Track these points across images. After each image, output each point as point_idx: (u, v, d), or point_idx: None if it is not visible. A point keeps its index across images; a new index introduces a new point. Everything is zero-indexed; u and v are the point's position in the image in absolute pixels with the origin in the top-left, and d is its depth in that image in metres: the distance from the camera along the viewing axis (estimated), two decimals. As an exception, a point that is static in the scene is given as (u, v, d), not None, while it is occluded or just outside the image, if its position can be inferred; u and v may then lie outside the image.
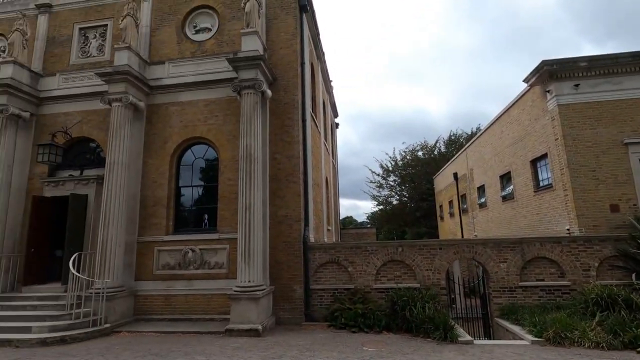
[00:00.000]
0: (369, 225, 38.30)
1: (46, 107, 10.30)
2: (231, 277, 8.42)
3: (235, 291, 7.42)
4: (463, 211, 19.47)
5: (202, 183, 9.66)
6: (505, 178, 14.01)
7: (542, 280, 8.05)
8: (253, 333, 7.02)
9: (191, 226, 9.42)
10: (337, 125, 21.05)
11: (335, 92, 18.77)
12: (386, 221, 31.50)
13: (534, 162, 11.43)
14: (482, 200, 16.58)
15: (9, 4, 11.46)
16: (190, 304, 8.54)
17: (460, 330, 7.08)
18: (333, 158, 18.16)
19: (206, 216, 9.44)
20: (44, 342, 6.78)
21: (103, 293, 7.72)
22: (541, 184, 11.18)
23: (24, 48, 10.09)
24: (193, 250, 8.74)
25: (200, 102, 9.53)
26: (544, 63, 9.59)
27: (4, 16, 11.28)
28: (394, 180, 30.24)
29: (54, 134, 9.70)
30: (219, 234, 8.78)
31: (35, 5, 11.10)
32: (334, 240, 15.96)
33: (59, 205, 9.62)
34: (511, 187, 13.33)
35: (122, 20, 9.42)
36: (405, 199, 29.70)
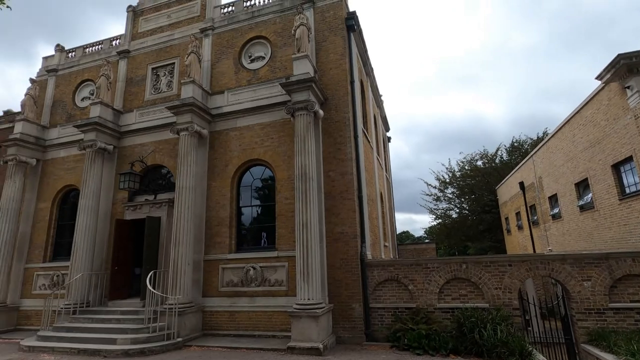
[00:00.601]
0: (427, 241, 36.69)
1: (126, 140, 11.61)
2: (291, 295, 8.58)
3: (295, 309, 7.52)
4: (533, 223, 17.85)
5: (260, 202, 10.08)
6: (582, 185, 12.65)
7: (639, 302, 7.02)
8: (314, 352, 7.01)
9: (251, 244, 9.83)
10: (389, 139, 20.81)
11: (385, 105, 18.68)
12: (446, 236, 29.91)
13: (617, 167, 10.21)
14: (556, 210, 15.09)
15: (96, 54, 13.31)
16: (253, 320, 8.81)
17: (540, 357, 6.40)
18: (386, 172, 17.90)
19: (265, 234, 9.79)
20: (126, 354, 7.43)
21: (175, 309, 8.29)
22: (627, 191, 9.91)
23: (108, 90, 11.56)
24: (254, 268, 9.07)
25: (257, 126, 10.07)
26: (621, 57, 8.66)
27: (94, 64, 13.10)
28: (452, 193, 28.80)
29: (133, 163, 10.87)
30: (277, 251, 9.03)
31: (116, 52, 12.75)
32: (391, 256, 15.53)
33: (137, 226, 10.67)
34: (590, 195, 11.99)
35: (187, 58, 10.42)
36: (466, 211, 28.05)
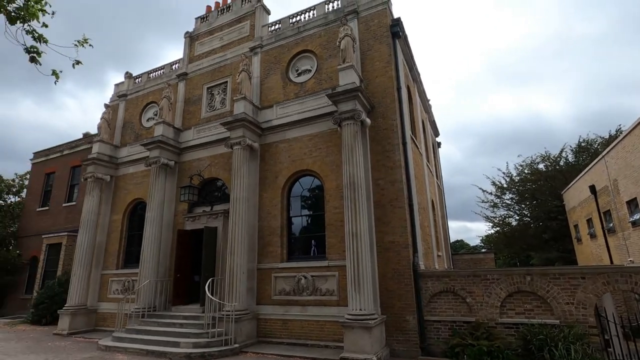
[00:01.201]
0: (484, 250, 34.51)
1: (185, 155, 12.50)
2: (342, 305, 8.54)
3: (347, 319, 7.47)
4: (608, 231, 16.02)
5: (309, 212, 10.24)
6: (668, 188, 11.15)
7: None
8: (368, 364, 6.88)
9: (301, 253, 9.98)
10: (439, 144, 20.10)
11: (433, 109, 18.12)
12: (505, 245, 27.88)
13: None
14: (636, 217, 13.43)
15: (159, 78, 14.58)
16: (305, 329, 8.89)
17: (624, 383, 5.68)
18: (437, 179, 17.26)
19: (314, 243, 9.90)
20: (189, 357, 7.87)
21: (232, 315, 8.65)
22: None
23: (169, 110, 12.58)
24: (305, 277, 9.19)
25: (305, 137, 10.30)
26: None
27: (157, 87, 14.36)
28: (511, 198, 26.84)
29: (191, 176, 11.66)
30: (328, 261, 9.07)
31: (176, 75, 13.86)
32: (445, 267, 14.85)
33: (196, 236, 11.35)
34: (679, 199, 10.52)
35: (238, 76, 11.02)
36: (527, 218, 25.95)
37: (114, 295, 12.45)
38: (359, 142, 8.67)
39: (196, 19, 14.47)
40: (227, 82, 12.62)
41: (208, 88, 13.03)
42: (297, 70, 11.39)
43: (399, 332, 8.07)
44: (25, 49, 3.73)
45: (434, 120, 18.15)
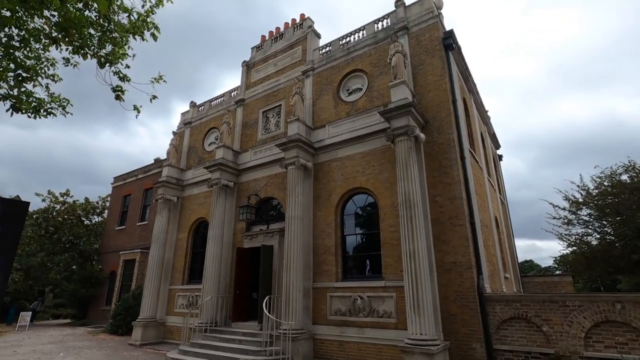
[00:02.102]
0: (558, 272, 31.02)
1: (243, 176, 13.15)
2: (400, 328, 8.17)
3: (407, 344, 7.10)
4: None
5: (363, 231, 10.09)
6: None
7: None
8: (432, 394, 6.44)
9: (356, 273, 9.79)
10: (500, 157, 18.85)
11: (492, 121, 17.13)
12: (585, 267, 24.75)
13: None
14: None
15: (219, 105, 15.70)
16: (363, 352, 8.61)
17: None
18: (500, 194, 16.10)
19: (368, 262, 9.68)
20: (248, 374, 8.00)
21: (289, 334, 8.68)
22: None
23: (229, 134, 13.42)
24: (361, 298, 8.98)
25: (357, 155, 10.30)
26: None
27: (217, 114, 15.46)
28: (589, 214, 24.00)
29: (249, 196, 12.19)
30: (384, 281, 8.79)
31: (234, 101, 14.83)
32: (514, 290, 13.59)
33: (254, 254, 11.74)
34: None
35: (292, 99, 11.47)
36: (611, 237, 22.91)
37: (179, 310, 13.22)
38: (413, 158, 8.45)
39: (252, 48, 15.47)
40: (280, 105, 13.18)
41: (263, 112, 13.71)
42: (347, 90, 11.55)
43: (465, 361, 7.46)
44: (112, 88, 4.29)
45: (494, 133, 17.13)
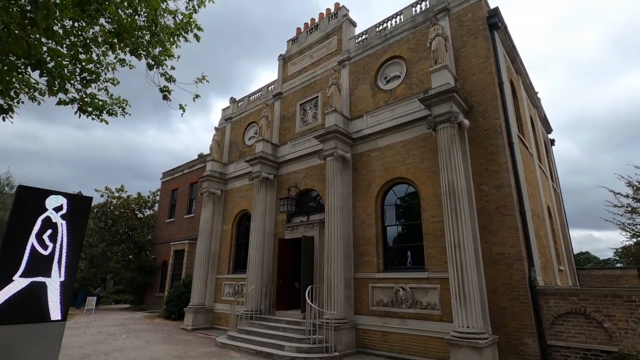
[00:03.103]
0: (619, 265, 28.55)
1: (282, 169, 13.39)
2: (445, 320, 8.00)
3: (453, 337, 6.94)
4: None
5: (405, 221, 9.91)
6: None
7: None
8: (480, 388, 6.25)
9: (398, 264, 9.67)
10: (552, 141, 17.57)
11: (543, 103, 15.95)
12: (652, 259, 22.64)
13: None
14: None
15: (258, 100, 16.03)
16: (406, 343, 8.54)
17: None
18: (553, 182, 15.06)
19: (409, 253, 9.52)
20: (293, 360, 8.25)
21: (331, 323, 8.82)
22: None
23: (268, 128, 13.69)
24: (403, 289, 8.87)
25: (397, 144, 10.09)
26: None
27: (256, 109, 15.81)
28: (657, 202, 21.78)
29: (289, 188, 12.41)
30: (427, 272, 8.61)
31: (272, 95, 15.07)
32: (569, 283, 12.74)
33: (295, 245, 11.98)
34: None
35: (328, 90, 11.44)
36: (684, 227, 20.68)
37: (226, 297, 13.87)
38: (457, 146, 8.12)
39: (288, 41, 15.57)
40: (317, 97, 13.19)
41: (301, 104, 13.80)
42: (385, 78, 11.29)
43: (516, 357, 7.15)
44: (159, 89, 4.56)
45: (545, 116, 15.97)
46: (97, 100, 4.55)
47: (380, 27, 11.93)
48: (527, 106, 12.50)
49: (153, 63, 4.28)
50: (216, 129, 16.57)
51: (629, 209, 23.48)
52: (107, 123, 4.66)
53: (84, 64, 4.28)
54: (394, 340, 8.76)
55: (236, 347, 9.59)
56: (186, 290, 15.47)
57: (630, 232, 23.74)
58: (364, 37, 12.37)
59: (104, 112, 4.65)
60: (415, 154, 9.61)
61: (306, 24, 15.06)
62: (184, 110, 4.74)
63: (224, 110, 17.97)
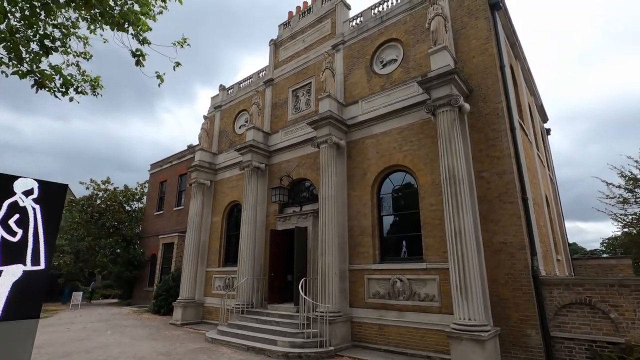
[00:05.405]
0: (605, 255, 28.86)
1: (274, 158, 12.90)
2: (445, 312, 7.70)
3: (453, 329, 6.63)
4: None
5: (402, 211, 9.55)
6: None
7: None
8: (483, 383, 5.96)
9: (394, 254, 9.33)
10: (547, 131, 17.38)
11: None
12: (642, 249, 22.80)
13: None
14: None
15: (248, 87, 15.44)
16: (404, 336, 8.23)
17: None
18: (549, 170, 14.86)
19: (405, 244, 9.19)
20: (286, 356, 7.88)
21: (326, 317, 8.46)
22: None
23: (259, 115, 13.15)
24: (401, 280, 8.53)
25: (393, 130, 9.68)
26: None
27: (246, 96, 15.23)
28: (649, 192, 21.86)
29: (281, 178, 11.95)
30: (426, 263, 8.28)
31: (263, 82, 14.50)
32: (566, 273, 12.59)
33: (287, 236, 11.56)
34: None
35: (322, 74, 10.94)
36: (675, 216, 20.80)
37: (216, 291, 13.42)
38: (457, 131, 7.74)
39: (279, 25, 14.97)
40: (310, 82, 12.68)
41: (293, 91, 13.28)
42: (381, 62, 10.83)
43: (518, 349, 6.88)
44: (131, 52, 4.02)
45: (542, 104, 15.71)
46: (63, 75, 3.99)
47: (376, 9, 11.42)
48: (525, 93, 12.19)
49: (123, 21, 3.71)
50: (205, 117, 15.95)
51: (621, 199, 23.59)
52: (78, 102, 4.13)
53: (43, 27, 3.70)
54: (390, 333, 8.45)
55: (227, 343, 9.19)
56: (175, 284, 14.99)
57: (622, 223, 23.92)
58: (358, 19, 11.86)
59: (71, 89, 4.09)
60: (413, 141, 9.22)
61: (298, 7, 14.46)
62: (162, 80, 4.22)
63: (213, 98, 17.33)
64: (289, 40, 14.25)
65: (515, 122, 8.36)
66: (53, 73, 3.92)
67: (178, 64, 4.22)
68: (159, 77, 4.19)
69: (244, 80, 15.93)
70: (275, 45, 14.75)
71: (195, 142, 18.20)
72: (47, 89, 3.89)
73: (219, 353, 8.34)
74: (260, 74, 15.17)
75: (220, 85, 16.90)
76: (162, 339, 9.96)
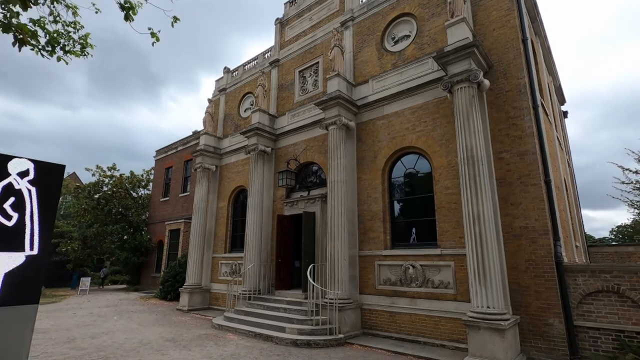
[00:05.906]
0: (614, 243, 28.25)
1: (281, 141, 12.49)
2: (460, 300, 7.36)
3: (470, 317, 6.28)
4: None
5: (415, 194, 9.13)
6: None
7: None
8: (503, 374, 5.64)
9: (407, 240, 8.97)
10: (564, 113, 16.66)
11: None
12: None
13: None
14: None
15: (253, 68, 14.94)
16: (416, 324, 7.94)
17: None
18: (567, 154, 14.26)
19: (417, 229, 8.81)
20: (294, 343, 7.64)
21: (335, 303, 8.18)
22: None
23: (264, 97, 12.69)
24: (413, 267, 8.19)
25: (406, 110, 9.19)
26: None
27: (252, 78, 14.74)
28: (668, 178, 21.09)
29: (288, 161, 11.56)
30: (440, 249, 7.91)
31: (269, 63, 13.98)
32: (584, 260, 12.15)
33: (295, 222, 11.25)
34: None
35: (330, 52, 10.41)
36: (695, 203, 20.09)
37: (223, 277, 13.25)
38: (476, 108, 7.23)
39: (285, 4, 14.35)
40: (318, 62, 12.15)
41: (300, 71, 12.77)
42: (393, 38, 10.25)
43: (539, 338, 6.53)
44: (119, 4, 3.61)
45: (560, 85, 14.98)
46: (47, 30, 3.59)
47: (388, -17, 10.76)
48: (545, 72, 11.54)
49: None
50: (209, 100, 15.52)
51: (638, 185, 22.82)
52: (66, 63, 3.75)
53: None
54: (402, 321, 8.16)
55: (233, 329, 8.99)
56: (182, 270, 14.87)
57: (638, 209, 23.19)
58: (369, -6, 11.22)
59: (57, 47, 3.71)
60: (427, 121, 8.73)
61: (305, -17, 13.78)
62: (157, 39, 3.81)
63: (217, 81, 16.87)
64: (295, 18, 13.65)
65: (538, 99, 7.82)
66: (36, 28, 3.53)
67: (176, 18, 3.80)
68: (153, 34, 3.78)
69: (249, 61, 15.42)
70: (281, 24, 14.17)
71: (200, 128, 17.83)
72: (30, 47, 3.51)
73: (226, 339, 8.14)
74: (266, 55, 14.64)
75: (225, 68, 16.41)
76: (169, 325, 9.81)
